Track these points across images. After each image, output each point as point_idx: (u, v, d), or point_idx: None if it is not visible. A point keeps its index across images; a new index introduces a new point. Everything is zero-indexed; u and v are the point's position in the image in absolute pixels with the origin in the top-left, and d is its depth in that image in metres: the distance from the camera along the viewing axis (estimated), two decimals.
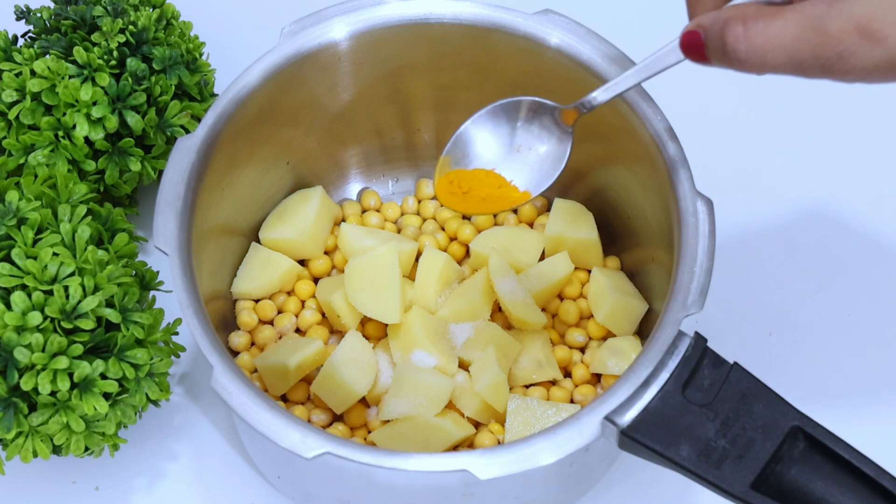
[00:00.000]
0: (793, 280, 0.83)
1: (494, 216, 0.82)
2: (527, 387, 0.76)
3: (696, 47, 0.59)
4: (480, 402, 0.73)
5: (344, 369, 0.73)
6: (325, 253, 0.81)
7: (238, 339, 0.77)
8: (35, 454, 0.66)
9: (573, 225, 0.79)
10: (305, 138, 0.80)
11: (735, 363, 0.62)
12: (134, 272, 0.71)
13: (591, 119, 0.68)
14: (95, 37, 0.76)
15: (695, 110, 0.81)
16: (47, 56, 0.75)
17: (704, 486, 0.60)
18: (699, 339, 0.63)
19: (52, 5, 0.79)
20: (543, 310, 0.78)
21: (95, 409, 0.65)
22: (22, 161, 0.75)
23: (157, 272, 0.73)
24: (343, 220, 0.82)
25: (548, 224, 0.79)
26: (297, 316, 0.78)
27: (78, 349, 0.64)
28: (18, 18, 0.80)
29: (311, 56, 0.74)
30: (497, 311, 0.77)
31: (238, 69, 0.73)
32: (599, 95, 0.66)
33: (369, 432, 0.74)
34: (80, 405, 0.65)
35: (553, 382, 0.76)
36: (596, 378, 0.77)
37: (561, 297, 0.79)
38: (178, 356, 0.74)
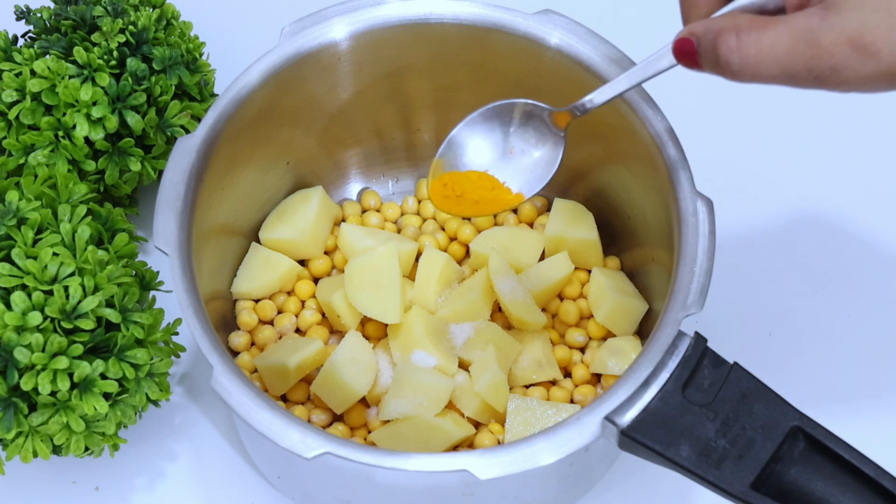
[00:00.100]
0: (793, 280, 0.83)
1: (494, 216, 0.82)
2: (527, 387, 0.76)
3: (688, 54, 0.59)
4: (480, 402, 0.73)
5: (344, 369, 0.73)
6: (325, 253, 0.81)
7: (238, 339, 0.77)
8: (35, 454, 0.66)
9: (573, 225, 0.79)
10: (305, 138, 0.80)
11: (735, 363, 0.62)
12: (134, 272, 0.71)
13: (591, 119, 0.68)
14: (95, 37, 0.76)
15: (695, 110, 0.81)
16: (47, 56, 0.75)
17: (704, 486, 0.60)
18: (699, 339, 0.63)
19: (52, 5, 0.79)
20: (543, 310, 0.78)
21: (95, 409, 0.65)
22: (22, 161, 0.75)
23: (157, 272, 0.73)
24: (343, 220, 0.82)
25: (548, 224, 0.79)
26: (297, 316, 0.78)
27: (78, 349, 0.64)
28: (18, 18, 0.80)
29: (311, 56, 0.74)
30: (497, 311, 0.77)
31: (238, 69, 0.73)
32: (593, 99, 0.66)
33: (369, 432, 0.74)
34: (80, 405, 0.65)
35: (553, 382, 0.76)
36: (596, 378, 0.77)
37: (561, 297, 0.79)
38: (178, 356, 0.74)
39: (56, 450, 0.68)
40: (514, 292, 0.75)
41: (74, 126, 0.75)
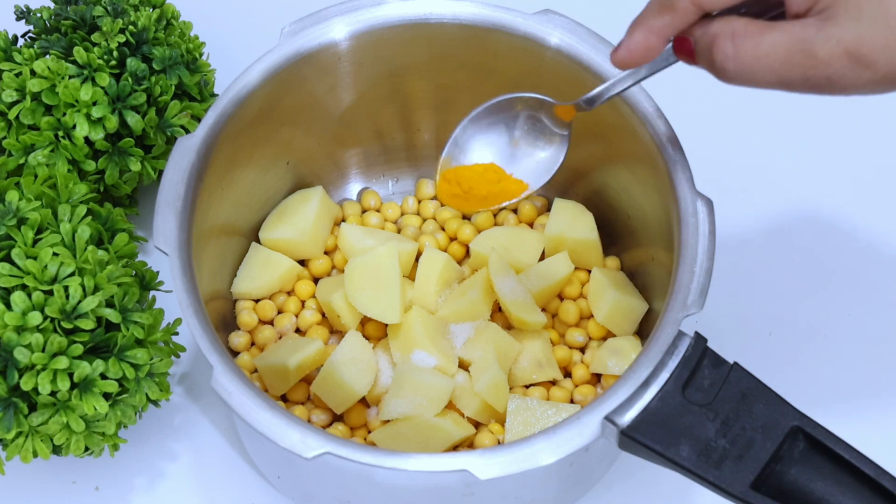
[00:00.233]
0: (793, 280, 0.83)
1: (494, 216, 0.82)
2: (527, 387, 0.76)
3: (687, 51, 0.59)
4: (480, 402, 0.73)
5: (344, 369, 0.73)
6: (325, 253, 0.81)
7: (238, 339, 0.77)
8: (35, 454, 0.66)
9: (573, 225, 0.79)
10: (305, 138, 0.80)
11: (735, 363, 0.62)
12: (134, 272, 0.71)
13: (591, 119, 0.68)
14: (95, 37, 0.76)
15: (695, 110, 0.81)
16: (47, 56, 0.75)
17: (704, 486, 0.60)
18: (699, 339, 0.63)
19: (52, 5, 0.79)
20: (543, 310, 0.78)
21: (95, 409, 0.65)
22: (22, 161, 0.75)
23: (157, 272, 0.72)
24: (343, 220, 0.82)
25: (548, 224, 0.79)
26: (297, 316, 0.78)
27: (78, 349, 0.64)
28: (18, 18, 0.80)
29: (311, 56, 0.74)
30: (497, 311, 0.77)
31: (238, 69, 0.73)
32: (598, 93, 0.66)
33: (369, 432, 0.74)
34: (80, 405, 0.65)
35: (553, 382, 0.76)
36: (596, 378, 0.77)
37: (561, 297, 0.79)
38: (178, 356, 0.74)
39: (56, 450, 0.68)
40: (514, 292, 0.75)
41: (74, 126, 0.75)
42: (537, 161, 0.69)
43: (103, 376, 0.65)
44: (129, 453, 0.76)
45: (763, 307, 0.82)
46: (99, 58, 0.75)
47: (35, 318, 0.63)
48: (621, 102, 0.70)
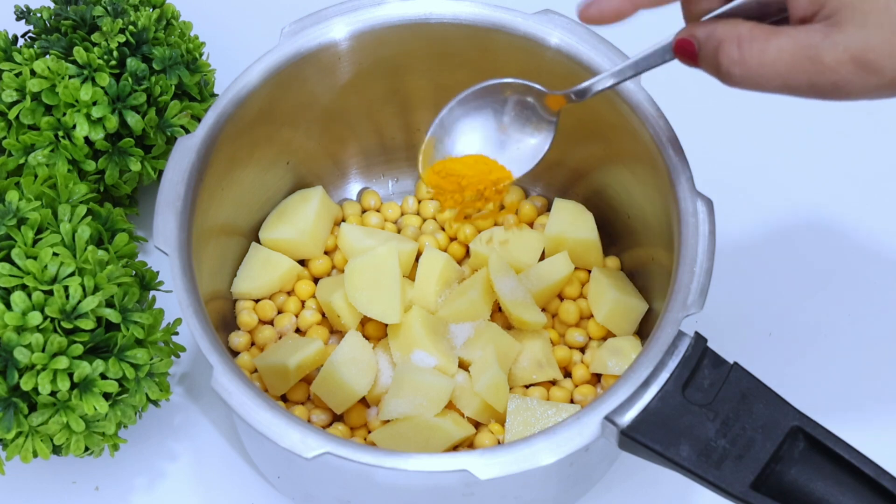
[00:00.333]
0: (793, 280, 0.83)
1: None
2: (527, 387, 0.76)
3: (689, 54, 0.59)
4: (480, 402, 0.73)
5: (344, 369, 0.73)
6: (325, 253, 0.81)
7: (238, 339, 0.77)
8: (35, 454, 0.66)
9: (573, 225, 0.79)
10: (305, 138, 0.80)
11: (735, 363, 0.62)
12: (134, 272, 0.71)
13: (591, 119, 0.68)
14: (95, 37, 0.76)
15: (695, 110, 0.81)
16: (47, 56, 0.75)
17: (704, 486, 0.60)
18: (699, 339, 0.63)
19: (52, 5, 0.79)
20: (543, 310, 0.78)
21: (95, 409, 0.65)
22: (22, 161, 0.75)
23: (157, 272, 0.73)
24: (343, 220, 0.82)
25: (548, 224, 0.79)
26: (297, 316, 0.78)
27: (78, 349, 0.64)
28: (18, 18, 0.80)
29: (311, 56, 0.74)
30: (497, 311, 0.77)
31: (238, 69, 0.73)
32: (592, 86, 0.65)
33: (369, 432, 0.74)
34: (80, 405, 0.65)
35: (553, 382, 0.76)
36: (596, 378, 0.77)
37: (561, 297, 0.79)
38: (178, 356, 0.74)
39: (56, 450, 0.68)
40: (514, 292, 0.75)
41: (74, 126, 0.75)
42: (524, 148, 0.68)
43: (103, 376, 0.65)
44: (129, 453, 0.76)
45: (763, 307, 0.82)
46: (99, 58, 0.75)
47: (35, 318, 0.63)
48: (621, 102, 0.70)
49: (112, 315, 0.66)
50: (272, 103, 0.74)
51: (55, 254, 0.65)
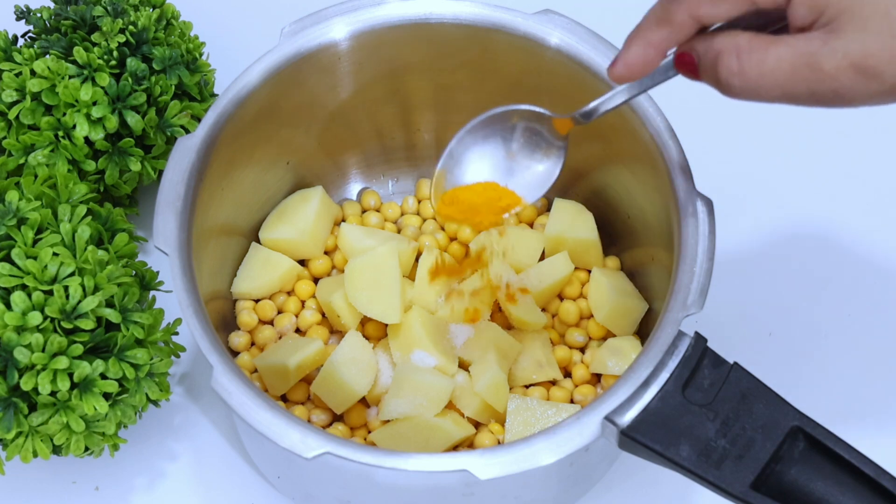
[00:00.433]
0: (793, 280, 0.83)
1: None
2: (527, 387, 0.76)
3: (690, 67, 0.59)
4: (480, 402, 0.73)
5: (344, 369, 0.73)
6: (325, 253, 0.81)
7: (238, 339, 0.77)
8: (35, 454, 0.66)
9: (573, 225, 0.79)
10: (305, 138, 0.80)
11: (735, 363, 0.62)
12: (134, 272, 0.71)
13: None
14: (95, 37, 0.76)
15: (695, 111, 0.81)
16: (47, 56, 0.75)
17: (704, 486, 0.60)
18: (699, 339, 0.63)
19: (52, 5, 0.79)
20: (543, 310, 0.78)
21: (95, 409, 0.65)
22: (22, 161, 0.75)
23: (157, 272, 0.73)
24: (343, 220, 0.82)
25: (548, 224, 0.79)
26: (297, 316, 0.78)
27: (78, 349, 0.64)
28: (18, 18, 0.80)
29: (311, 56, 0.74)
30: (497, 311, 0.77)
31: (238, 69, 0.73)
32: (595, 107, 0.64)
33: (369, 432, 0.74)
34: (80, 405, 0.65)
35: (553, 382, 0.76)
36: (596, 378, 0.77)
37: (561, 297, 0.79)
38: (178, 356, 0.74)
39: (56, 450, 0.68)
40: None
41: (74, 126, 0.75)
42: (534, 174, 0.68)
43: (103, 376, 0.65)
44: (129, 453, 0.76)
45: (763, 307, 0.82)
46: (99, 58, 0.75)
47: (35, 318, 0.63)
48: None
49: (112, 315, 0.66)
50: (272, 103, 0.74)
51: (55, 254, 0.65)
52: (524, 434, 0.71)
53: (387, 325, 0.75)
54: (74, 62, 0.75)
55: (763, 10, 0.56)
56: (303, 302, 0.79)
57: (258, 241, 0.80)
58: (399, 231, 0.82)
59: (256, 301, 0.79)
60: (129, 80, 0.75)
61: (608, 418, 0.61)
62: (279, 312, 0.79)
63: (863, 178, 0.87)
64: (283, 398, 0.76)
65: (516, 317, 0.75)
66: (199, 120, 0.77)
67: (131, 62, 0.76)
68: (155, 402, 0.71)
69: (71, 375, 0.64)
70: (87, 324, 0.64)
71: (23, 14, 0.79)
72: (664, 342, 0.62)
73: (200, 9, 0.89)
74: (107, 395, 0.66)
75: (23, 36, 0.80)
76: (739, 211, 0.84)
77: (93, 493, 0.76)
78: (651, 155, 0.70)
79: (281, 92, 0.74)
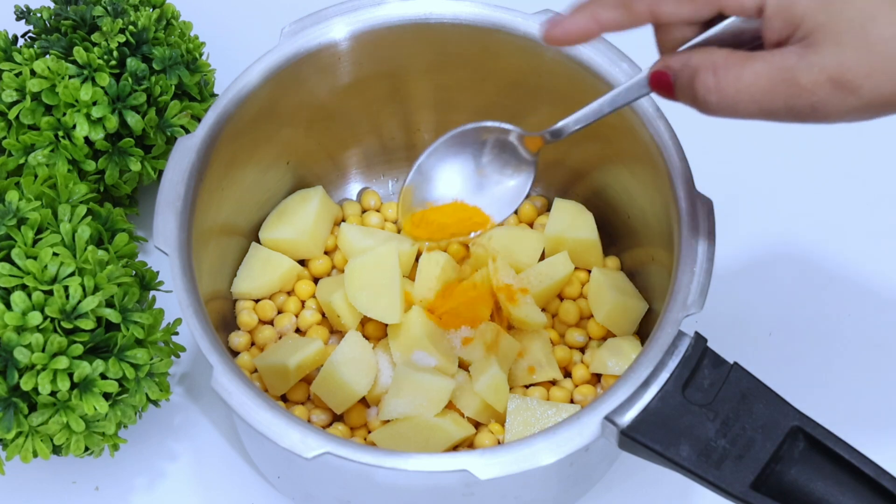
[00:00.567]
0: (793, 280, 0.83)
1: None
2: (527, 387, 0.76)
3: (665, 86, 0.58)
4: (480, 402, 0.73)
5: (344, 369, 0.73)
6: (325, 253, 0.81)
7: (238, 339, 0.77)
8: (35, 454, 0.66)
9: (573, 225, 0.79)
10: (305, 138, 0.80)
11: (735, 363, 0.62)
12: (134, 272, 0.71)
13: None
14: (95, 37, 0.76)
15: (695, 111, 0.81)
16: (47, 56, 0.75)
17: (704, 486, 0.60)
18: (699, 339, 0.63)
19: (52, 5, 0.79)
20: (543, 310, 0.78)
21: (95, 409, 0.65)
22: (22, 161, 0.75)
23: (157, 272, 0.73)
24: (343, 220, 0.82)
25: (548, 224, 0.79)
26: (297, 316, 0.78)
27: (78, 349, 0.64)
28: (18, 18, 0.80)
29: (311, 56, 0.74)
30: (497, 311, 0.77)
31: (238, 69, 0.73)
32: (566, 126, 0.64)
33: (369, 432, 0.74)
34: (80, 405, 0.65)
35: (553, 382, 0.76)
36: (596, 378, 0.77)
37: (561, 297, 0.79)
38: (178, 356, 0.74)
39: (56, 450, 0.68)
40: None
41: (74, 126, 0.75)
42: (504, 189, 0.68)
43: (103, 376, 0.65)
44: (129, 453, 0.76)
45: (763, 307, 0.82)
46: (99, 58, 0.75)
47: (35, 318, 0.63)
48: None
49: (112, 315, 0.66)
50: (272, 103, 0.74)
51: (55, 254, 0.65)
52: (524, 434, 0.71)
53: (387, 325, 0.75)
54: (74, 62, 0.75)
55: (728, 14, 0.55)
56: (303, 302, 0.79)
57: (258, 241, 0.80)
58: (399, 231, 0.82)
59: (256, 301, 0.79)
60: (129, 80, 0.75)
61: (608, 418, 0.61)
62: (279, 312, 0.79)
63: (863, 178, 0.87)
64: (283, 398, 0.76)
65: (516, 317, 0.75)
66: (199, 120, 0.77)
67: (131, 62, 0.76)
68: (155, 402, 0.71)
69: (71, 375, 0.64)
70: (87, 324, 0.64)
71: (23, 14, 0.79)
72: (664, 342, 0.62)
73: (200, 9, 0.89)
74: (107, 395, 0.66)
75: (23, 36, 0.80)
76: (739, 211, 0.84)
77: (93, 493, 0.76)
78: (651, 155, 0.70)
79: (281, 92, 0.74)
